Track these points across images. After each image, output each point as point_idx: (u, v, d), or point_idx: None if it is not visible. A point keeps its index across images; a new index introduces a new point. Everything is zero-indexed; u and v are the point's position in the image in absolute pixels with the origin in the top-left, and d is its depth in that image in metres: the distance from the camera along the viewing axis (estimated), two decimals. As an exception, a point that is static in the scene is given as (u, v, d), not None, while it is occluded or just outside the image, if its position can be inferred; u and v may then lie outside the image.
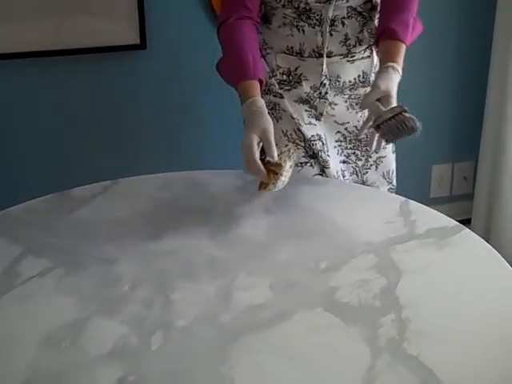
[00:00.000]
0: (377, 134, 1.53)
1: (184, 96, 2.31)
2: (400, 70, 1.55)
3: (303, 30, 1.64)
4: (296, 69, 1.69)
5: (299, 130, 1.71)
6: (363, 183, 1.78)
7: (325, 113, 1.72)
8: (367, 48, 1.69)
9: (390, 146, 1.77)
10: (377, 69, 1.66)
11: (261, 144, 1.43)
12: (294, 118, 1.71)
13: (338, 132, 1.74)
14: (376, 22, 1.67)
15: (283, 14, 1.64)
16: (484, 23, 2.53)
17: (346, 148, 1.75)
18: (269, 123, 1.45)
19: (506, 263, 1.27)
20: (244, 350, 1.03)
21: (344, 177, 1.76)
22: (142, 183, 1.63)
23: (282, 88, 1.71)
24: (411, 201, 1.54)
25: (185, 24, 2.24)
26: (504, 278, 1.22)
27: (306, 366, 0.99)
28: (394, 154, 1.81)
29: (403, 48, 1.58)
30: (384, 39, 1.60)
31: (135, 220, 1.44)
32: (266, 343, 1.04)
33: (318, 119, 1.72)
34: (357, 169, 1.77)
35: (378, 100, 1.50)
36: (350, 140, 1.75)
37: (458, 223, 1.44)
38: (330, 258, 1.28)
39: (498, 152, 2.52)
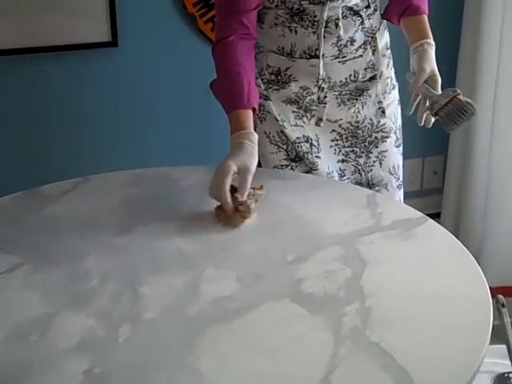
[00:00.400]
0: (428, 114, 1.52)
1: (156, 95, 2.31)
2: (433, 43, 1.56)
3: (295, 31, 1.62)
4: (286, 69, 1.67)
5: (282, 133, 1.70)
6: (368, 183, 1.75)
7: (308, 115, 1.70)
8: (360, 47, 1.66)
9: (393, 141, 1.75)
10: (370, 64, 1.67)
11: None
12: (278, 120, 1.70)
13: (333, 131, 1.72)
14: (371, 20, 1.65)
15: (276, 14, 1.62)
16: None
17: (344, 146, 1.73)
18: (254, 162, 1.42)
19: (468, 252, 1.29)
20: (210, 341, 1.04)
21: (344, 176, 1.74)
22: (112, 179, 1.63)
23: (270, 88, 1.69)
24: (378, 193, 1.57)
25: (156, 21, 2.25)
26: (465, 266, 1.25)
27: (271, 356, 1.01)
28: (400, 148, 1.79)
29: (427, 20, 1.60)
30: (408, 16, 1.61)
31: (105, 216, 1.44)
32: (232, 334, 1.06)
33: (317, 125, 1.70)
34: (359, 167, 1.74)
35: (425, 81, 1.51)
36: (346, 138, 1.73)
37: (423, 215, 1.46)
38: (297, 250, 1.30)
39: (467, 146, 2.56)
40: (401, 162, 1.80)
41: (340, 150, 1.74)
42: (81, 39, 2.16)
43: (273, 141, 1.71)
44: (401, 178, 1.80)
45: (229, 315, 1.10)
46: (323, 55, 1.63)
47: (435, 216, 2.66)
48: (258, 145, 1.51)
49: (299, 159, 1.71)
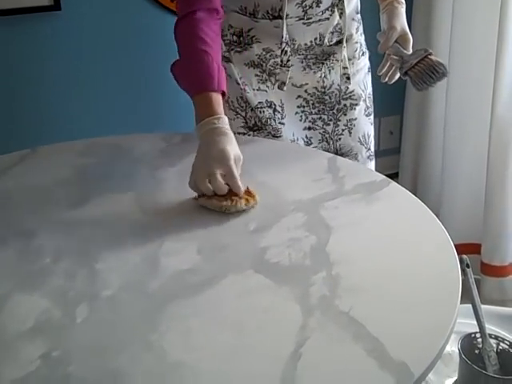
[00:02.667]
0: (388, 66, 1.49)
1: (99, 60, 2.22)
2: (403, 1, 1.52)
3: None
4: (249, 30, 1.60)
5: (242, 98, 1.64)
6: (337, 151, 1.69)
7: (273, 79, 1.64)
8: (327, 9, 1.60)
9: (362, 109, 1.70)
10: (337, 28, 1.61)
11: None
12: (239, 84, 1.64)
13: (299, 97, 1.66)
14: None
15: None
16: None
17: (311, 113, 1.68)
18: (237, 147, 1.31)
19: (433, 214, 1.27)
20: (173, 317, 1.00)
21: (310, 144, 1.69)
22: (63, 150, 1.56)
23: (232, 50, 1.62)
24: (339, 157, 1.53)
25: (100, -17, 2.15)
26: (431, 229, 1.22)
27: (236, 330, 0.97)
28: (370, 117, 1.73)
29: None
30: None
31: (56, 189, 1.38)
32: (195, 309, 1.01)
33: (280, 88, 1.63)
34: (326, 135, 1.69)
35: (396, 41, 1.47)
36: (313, 104, 1.67)
37: (385, 177, 1.44)
38: (259, 218, 1.25)
39: (423, 106, 2.55)
40: (372, 132, 1.75)
41: (307, 117, 1.68)
42: (22, 3, 2.06)
43: (231, 106, 1.65)
44: (372, 149, 1.75)
45: (191, 289, 1.05)
46: (287, 15, 1.57)
47: (393, 176, 2.66)
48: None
49: (258, 128, 1.65)
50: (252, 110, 1.65)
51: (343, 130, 1.70)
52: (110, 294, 1.04)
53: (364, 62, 1.71)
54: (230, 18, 1.61)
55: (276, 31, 1.59)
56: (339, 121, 1.69)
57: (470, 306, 1.46)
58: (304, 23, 1.60)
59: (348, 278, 1.07)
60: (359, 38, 1.69)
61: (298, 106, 1.68)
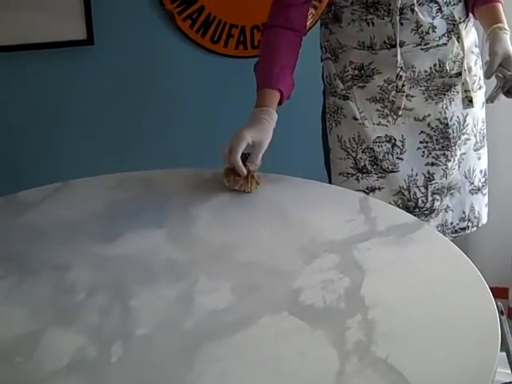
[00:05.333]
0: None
1: (133, 93, 2.24)
2: (507, 27, 1.55)
3: (372, 23, 1.63)
4: (369, 63, 1.67)
5: (359, 136, 1.69)
6: (447, 186, 1.73)
7: (403, 106, 1.67)
8: (443, 35, 1.64)
9: (472, 143, 1.73)
10: (458, 56, 1.65)
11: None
12: (357, 119, 1.69)
13: (422, 132, 1.69)
14: (452, 7, 1.63)
15: (352, 10, 1.64)
16: None
17: (434, 149, 1.70)
18: (268, 138, 1.51)
19: (467, 258, 1.26)
20: (209, 357, 0.99)
21: (432, 180, 1.71)
22: (95, 184, 1.57)
23: (354, 85, 1.69)
24: (370, 197, 1.53)
25: (133, 19, 2.17)
26: (467, 274, 1.21)
27: (273, 373, 0.96)
28: (478, 152, 1.75)
29: (501, 7, 1.59)
30: (480, 5, 1.61)
31: (88, 223, 1.38)
32: (231, 349, 1.01)
33: (395, 113, 1.68)
34: (447, 171, 1.72)
35: (500, 65, 1.50)
36: (436, 140, 1.70)
37: (417, 219, 1.43)
38: (292, 258, 1.25)
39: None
40: (477, 166, 1.77)
41: (430, 153, 1.71)
42: (56, 37, 2.08)
43: (343, 146, 1.71)
44: (475, 183, 1.77)
45: (227, 329, 1.05)
46: (404, 43, 1.63)
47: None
48: (330, 149, 1.71)
49: (366, 171, 1.70)
50: (363, 151, 1.70)
51: (456, 165, 1.73)
52: (145, 333, 1.04)
53: (480, 96, 1.73)
54: (351, 55, 1.69)
55: (395, 60, 1.64)
56: (456, 156, 1.72)
57: (505, 354, 1.44)
58: (422, 49, 1.64)
59: (384, 323, 1.06)
60: (477, 70, 1.71)
61: (421, 142, 1.70)
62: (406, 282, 1.18)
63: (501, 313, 1.40)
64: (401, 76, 1.65)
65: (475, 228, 1.81)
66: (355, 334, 1.03)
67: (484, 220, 1.83)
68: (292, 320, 1.07)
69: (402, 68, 1.65)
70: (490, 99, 1.56)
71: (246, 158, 1.49)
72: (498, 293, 2.23)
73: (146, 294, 1.14)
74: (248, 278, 1.19)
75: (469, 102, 1.66)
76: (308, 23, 1.96)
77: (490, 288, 2.26)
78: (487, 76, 1.53)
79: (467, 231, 1.80)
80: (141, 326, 1.05)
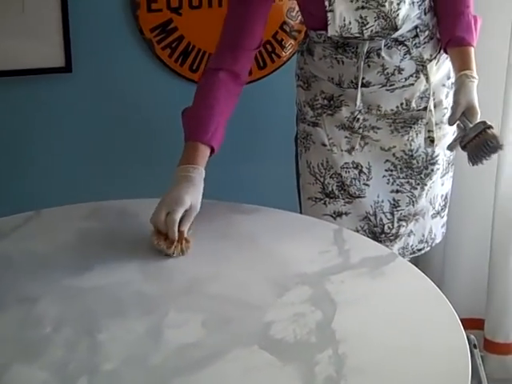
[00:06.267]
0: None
1: (111, 122, 2.23)
2: (474, 75, 1.56)
3: (342, 62, 1.65)
4: (339, 96, 1.69)
5: (327, 161, 1.71)
6: (414, 213, 1.75)
7: (362, 142, 1.69)
8: (411, 76, 1.65)
9: (440, 171, 1.75)
10: (426, 92, 1.66)
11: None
12: (326, 145, 1.71)
13: (387, 161, 1.72)
14: (421, 48, 1.64)
15: (323, 47, 1.67)
16: None
17: (398, 177, 1.72)
18: (200, 200, 1.42)
19: (439, 291, 1.26)
20: (176, 393, 0.97)
21: (398, 207, 1.73)
22: (67, 213, 1.55)
23: (324, 113, 1.70)
24: (345, 229, 1.52)
25: (112, 46, 2.17)
26: (438, 306, 1.21)
27: (241, 410, 0.95)
28: (442, 178, 1.77)
29: (472, 51, 1.59)
30: (452, 47, 1.61)
31: (59, 254, 1.36)
32: (198, 386, 0.99)
33: (349, 152, 1.70)
34: (413, 199, 1.74)
35: (463, 114, 1.51)
36: (401, 169, 1.72)
37: (391, 251, 1.43)
38: (264, 291, 1.24)
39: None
40: (440, 191, 1.79)
41: (394, 181, 1.73)
42: (34, 64, 2.07)
43: (312, 171, 1.73)
44: (436, 208, 1.80)
45: (195, 364, 1.03)
46: (370, 83, 1.64)
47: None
48: (300, 174, 1.74)
49: (334, 196, 1.72)
50: (331, 176, 1.72)
51: (424, 193, 1.75)
52: (111, 368, 1.02)
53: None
54: (322, 85, 1.71)
55: (362, 98, 1.66)
56: (425, 185, 1.74)
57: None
58: (387, 90, 1.66)
59: (354, 358, 1.05)
60: (448, 103, 1.71)
61: (386, 170, 1.72)
62: (378, 316, 1.18)
63: (473, 346, 1.40)
64: (358, 118, 1.68)
65: (429, 248, 1.86)
66: (325, 369, 1.02)
67: (438, 240, 1.87)
68: (262, 354, 1.06)
69: (360, 111, 1.67)
70: (450, 148, 1.58)
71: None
72: (474, 324, 2.23)
73: (115, 327, 1.13)
74: (219, 312, 1.18)
75: (430, 141, 1.67)
76: (288, 53, 1.98)
77: (466, 319, 2.26)
78: (449, 123, 1.55)
79: (422, 251, 1.85)
80: (108, 361, 1.04)
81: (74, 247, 1.39)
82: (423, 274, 1.33)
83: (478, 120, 1.50)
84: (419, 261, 2.54)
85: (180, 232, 1.37)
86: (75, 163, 2.22)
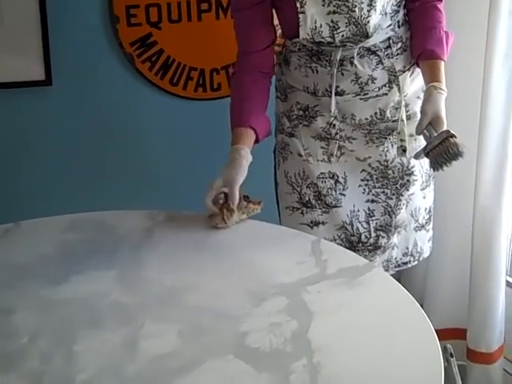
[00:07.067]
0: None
1: (90, 135, 2.24)
2: (443, 87, 1.59)
3: (317, 71, 1.68)
4: (314, 106, 1.71)
5: (304, 172, 1.73)
6: (395, 224, 1.77)
7: (338, 152, 1.72)
8: (384, 86, 1.67)
9: (419, 184, 1.77)
10: (400, 103, 1.68)
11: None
12: (302, 156, 1.73)
13: (363, 170, 1.74)
14: (393, 59, 1.67)
15: (298, 56, 1.70)
16: None
17: (374, 187, 1.74)
18: (240, 174, 1.57)
19: (415, 302, 1.27)
20: (150, 403, 0.98)
21: (373, 216, 1.75)
22: (46, 225, 1.56)
23: (300, 123, 1.73)
24: (322, 240, 1.53)
25: (92, 60, 2.19)
26: (414, 317, 1.22)
27: (215, 419, 0.95)
28: (424, 191, 1.79)
29: (442, 65, 1.63)
30: (423, 60, 1.64)
31: (36, 265, 1.37)
32: (173, 395, 1.00)
33: (329, 160, 1.73)
34: (388, 209, 1.75)
35: (430, 124, 1.54)
36: (376, 178, 1.74)
37: (368, 262, 1.44)
38: (241, 301, 1.24)
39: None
40: (423, 204, 1.81)
41: (370, 190, 1.75)
42: (14, 77, 2.08)
43: (289, 181, 1.76)
44: (419, 220, 1.81)
45: (170, 374, 1.04)
46: (344, 92, 1.67)
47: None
48: (278, 183, 1.78)
49: (311, 205, 1.74)
50: (308, 186, 1.74)
51: (403, 205, 1.76)
52: (86, 379, 1.02)
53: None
54: (298, 96, 1.74)
55: (337, 106, 1.68)
56: (402, 195, 1.75)
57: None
58: (361, 99, 1.68)
59: (329, 367, 1.06)
60: None
61: (362, 180, 1.74)
62: (353, 326, 1.18)
63: (450, 355, 1.41)
64: (334, 124, 1.70)
65: (416, 262, 1.87)
66: (300, 378, 1.03)
67: (426, 254, 1.88)
68: (237, 363, 1.06)
69: (335, 117, 1.70)
70: (416, 156, 1.62)
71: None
72: (457, 334, 2.24)
73: (91, 338, 1.13)
74: (195, 322, 1.18)
75: (402, 151, 1.69)
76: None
77: (449, 329, 2.27)
78: (417, 133, 1.59)
79: (409, 265, 1.86)
80: (83, 372, 1.04)
81: (53, 258, 1.39)
82: (400, 284, 1.34)
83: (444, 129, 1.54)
84: (402, 272, 2.56)
85: (222, 205, 1.53)
86: (55, 176, 2.22)
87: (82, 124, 2.22)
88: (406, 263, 1.84)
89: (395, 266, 1.83)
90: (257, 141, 1.66)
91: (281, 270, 1.36)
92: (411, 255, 1.84)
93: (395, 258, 1.82)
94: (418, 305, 1.25)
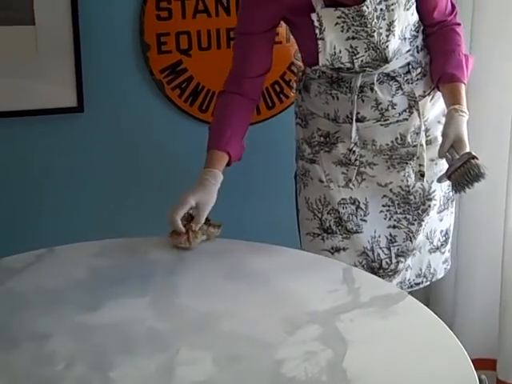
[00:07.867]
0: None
1: (121, 162, 2.26)
2: (464, 109, 1.59)
3: (337, 97, 1.69)
4: (335, 132, 1.72)
5: (325, 197, 1.73)
6: (412, 249, 1.76)
7: (359, 178, 1.72)
8: (404, 111, 1.68)
9: (436, 207, 1.77)
10: (421, 128, 1.68)
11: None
12: (323, 182, 1.74)
13: (385, 196, 1.74)
14: (413, 84, 1.68)
15: (318, 83, 1.71)
16: None
17: (396, 213, 1.75)
18: (213, 199, 1.58)
19: (450, 330, 1.26)
20: (188, 432, 0.97)
21: (395, 242, 1.75)
22: (79, 251, 1.57)
23: (321, 150, 1.74)
24: (354, 268, 1.53)
25: (123, 87, 2.21)
26: (449, 347, 1.21)
27: None
28: (440, 214, 1.79)
29: (463, 87, 1.63)
30: (443, 83, 1.65)
31: (70, 290, 1.37)
32: (210, 424, 0.99)
33: (347, 185, 1.73)
34: (410, 234, 1.75)
35: (452, 146, 1.54)
36: (398, 204, 1.74)
37: (400, 290, 1.43)
38: (275, 328, 1.24)
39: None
40: (438, 227, 1.81)
41: (392, 216, 1.75)
42: (46, 104, 2.11)
43: (310, 207, 1.76)
44: (434, 242, 1.81)
45: (207, 402, 1.04)
46: (365, 118, 1.67)
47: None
48: (299, 209, 1.77)
49: (331, 231, 1.74)
50: (328, 212, 1.74)
51: (423, 229, 1.76)
52: (123, 405, 1.02)
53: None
54: (319, 122, 1.74)
55: (357, 133, 1.69)
56: (423, 221, 1.75)
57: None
58: (382, 124, 1.69)
59: (366, 396, 1.05)
60: None
61: (383, 205, 1.74)
62: (388, 355, 1.18)
63: (485, 386, 1.39)
64: (354, 151, 1.70)
65: (429, 283, 1.87)
66: (337, 408, 1.02)
67: (439, 275, 1.88)
68: (273, 393, 1.06)
69: (356, 143, 1.70)
70: (439, 180, 1.62)
71: (192, 218, 1.58)
72: (486, 364, 2.21)
73: (126, 364, 1.13)
74: (230, 349, 1.18)
75: (420, 176, 1.70)
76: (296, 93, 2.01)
77: (478, 360, 2.24)
78: (439, 156, 1.59)
79: (421, 285, 1.86)
80: (119, 398, 1.04)
81: (86, 284, 1.40)
82: (433, 313, 1.33)
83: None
84: (430, 300, 2.54)
85: (188, 227, 1.54)
86: (87, 202, 2.24)
87: (112, 150, 2.24)
88: (418, 284, 1.85)
89: (408, 287, 1.82)
90: (227, 165, 1.66)
91: (313, 298, 1.35)
92: (424, 276, 1.84)
93: (408, 280, 1.82)
94: (453, 334, 1.24)
